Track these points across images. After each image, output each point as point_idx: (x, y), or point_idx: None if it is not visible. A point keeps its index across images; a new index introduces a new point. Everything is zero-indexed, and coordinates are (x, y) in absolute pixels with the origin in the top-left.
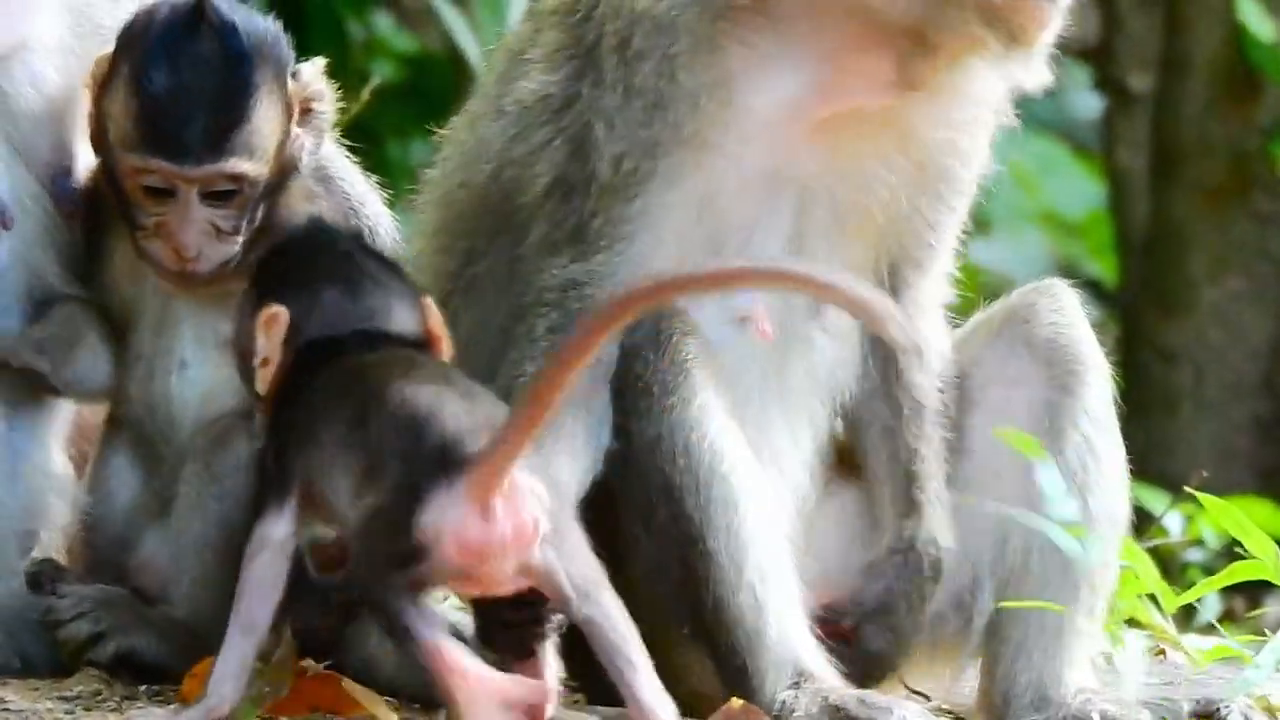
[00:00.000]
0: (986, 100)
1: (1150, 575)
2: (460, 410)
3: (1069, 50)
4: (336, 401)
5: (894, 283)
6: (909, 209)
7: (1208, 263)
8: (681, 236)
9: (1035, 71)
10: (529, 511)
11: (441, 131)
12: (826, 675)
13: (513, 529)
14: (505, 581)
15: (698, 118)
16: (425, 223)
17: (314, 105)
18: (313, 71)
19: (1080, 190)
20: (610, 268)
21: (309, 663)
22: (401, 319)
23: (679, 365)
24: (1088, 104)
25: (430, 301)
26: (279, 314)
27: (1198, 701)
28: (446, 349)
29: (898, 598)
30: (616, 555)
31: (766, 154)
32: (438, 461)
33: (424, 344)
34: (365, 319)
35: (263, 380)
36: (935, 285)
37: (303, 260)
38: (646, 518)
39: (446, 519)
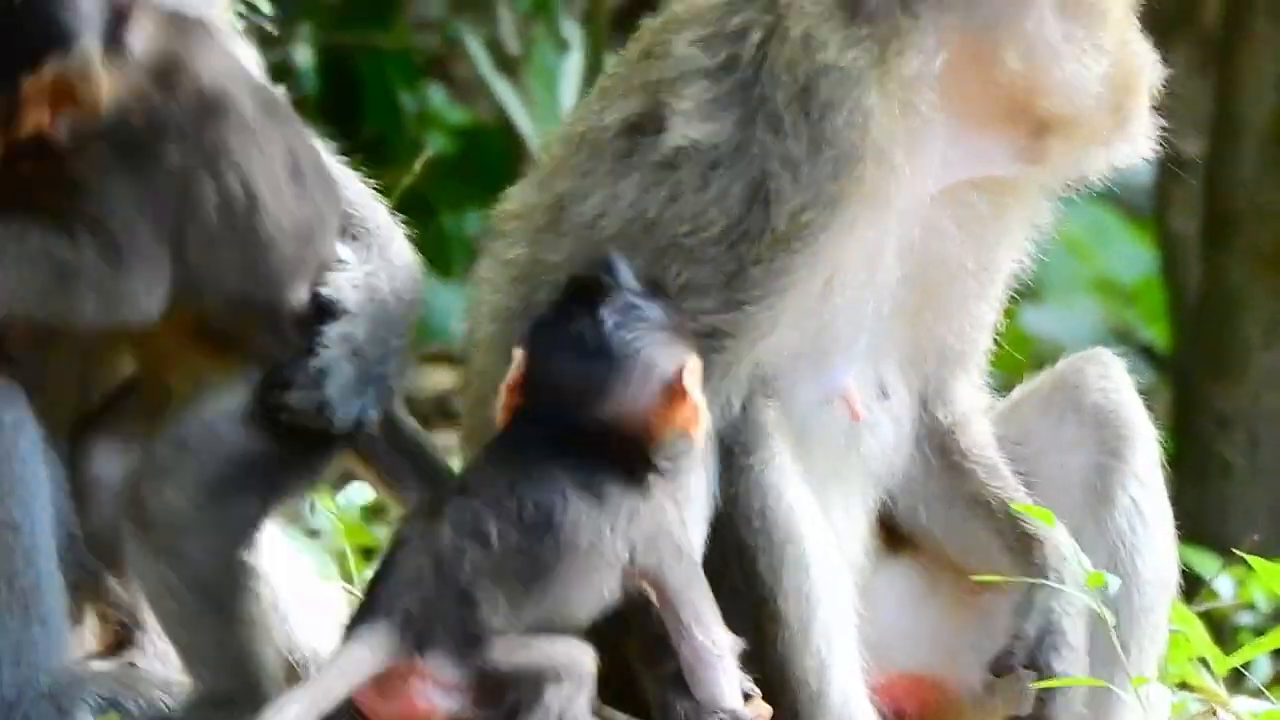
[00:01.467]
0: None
1: (1200, 638)
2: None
3: None
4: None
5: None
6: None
7: (1261, 328)
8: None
9: (1140, 148)
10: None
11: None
12: None
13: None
14: None
15: (881, 174)
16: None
17: None
18: None
19: (1132, 256)
20: (756, 320)
21: None
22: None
23: (760, 429)
24: (1140, 169)
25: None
26: (519, 357)
27: None
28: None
29: (1058, 619)
30: None
31: (910, 213)
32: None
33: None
34: (585, 409)
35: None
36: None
37: (559, 310)
38: (719, 575)
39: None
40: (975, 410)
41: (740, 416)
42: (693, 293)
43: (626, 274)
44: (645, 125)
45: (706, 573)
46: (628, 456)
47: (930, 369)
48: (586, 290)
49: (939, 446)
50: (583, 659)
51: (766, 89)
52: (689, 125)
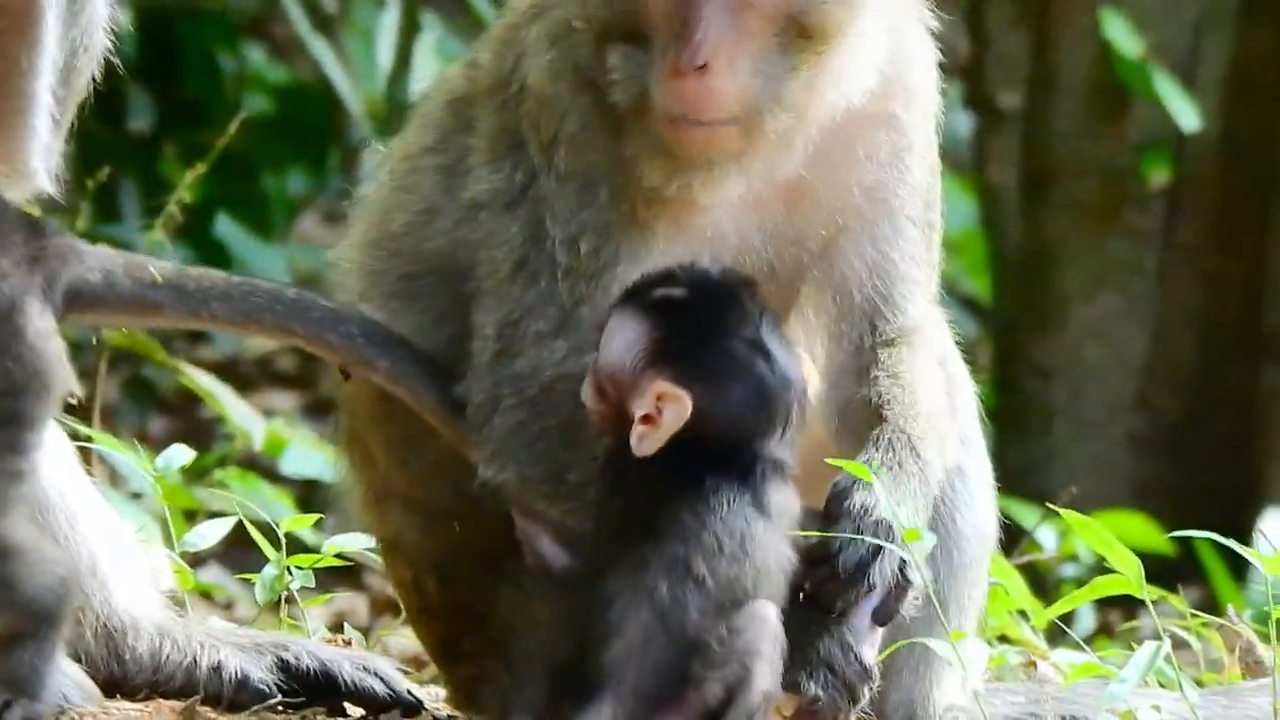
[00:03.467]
0: None
1: (1020, 591)
2: None
3: (941, 69)
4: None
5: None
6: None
7: (1081, 280)
8: None
9: None
10: None
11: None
12: None
13: None
14: None
15: (627, 196)
16: (360, 234)
17: None
18: None
19: (954, 208)
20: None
21: None
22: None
23: None
24: (959, 122)
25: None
26: (682, 400)
27: (1064, 718)
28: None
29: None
30: None
31: (695, 222)
32: None
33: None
34: (759, 434)
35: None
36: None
37: (714, 337)
38: None
39: None
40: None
41: None
42: (535, 341)
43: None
44: (462, 137)
45: None
46: (779, 467)
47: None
48: (729, 315)
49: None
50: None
51: (519, 126)
52: (483, 170)
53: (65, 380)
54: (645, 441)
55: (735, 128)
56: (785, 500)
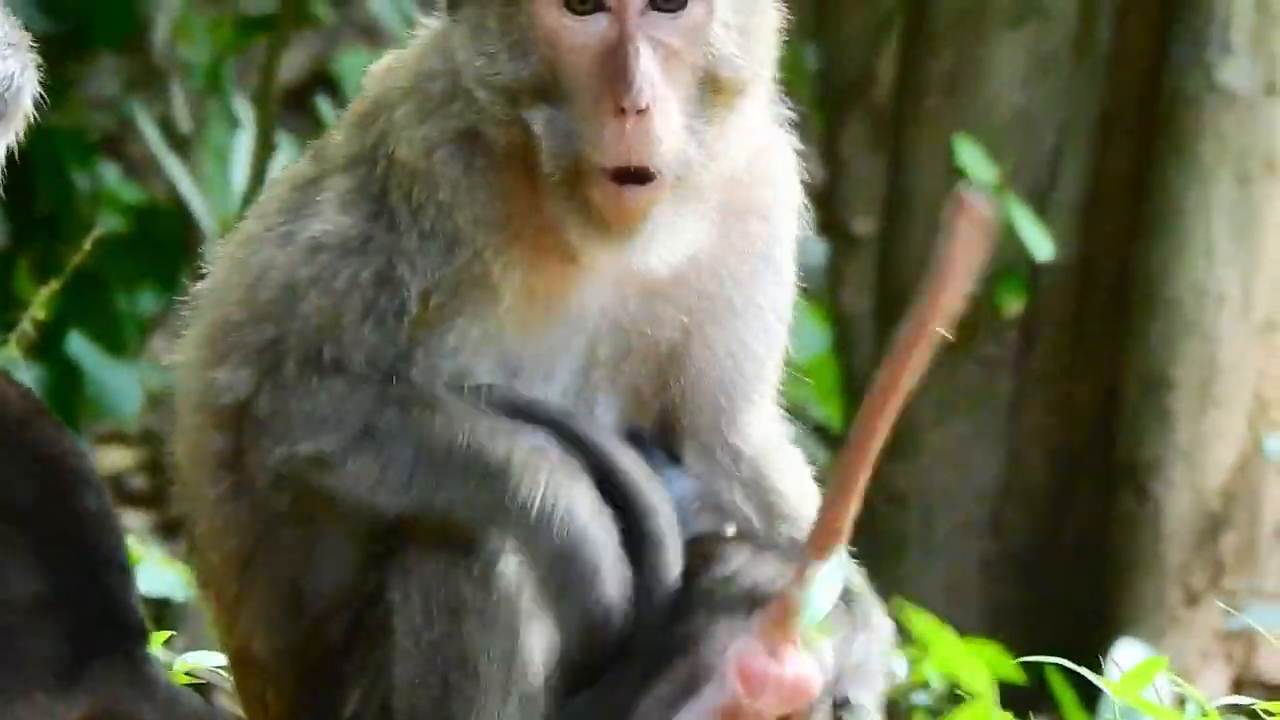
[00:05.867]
0: None
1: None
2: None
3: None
4: None
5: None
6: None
7: (933, 406)
8: (489, 370)
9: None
10: (813, 670)
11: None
12: None
13: (793, 679)
14: None
15: (483, 257)
16: (196, 335)
17: None
18: None
19: (807, 334)
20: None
21: None
22: None
23: None
24: (813, 249)
25: None
26: None
27: None
28: None
29: None
30: None
31: (556, 291)
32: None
33: None
34: None
35: None
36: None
37: None
38: None
39: (736, 645)
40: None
41: None
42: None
43: None
44: (302, 208)
45: None
46: None
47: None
48: None
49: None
50: None
51: (385, 188)
52: (331, 214)
53: None
54: None
55: (668, 186)
56: None
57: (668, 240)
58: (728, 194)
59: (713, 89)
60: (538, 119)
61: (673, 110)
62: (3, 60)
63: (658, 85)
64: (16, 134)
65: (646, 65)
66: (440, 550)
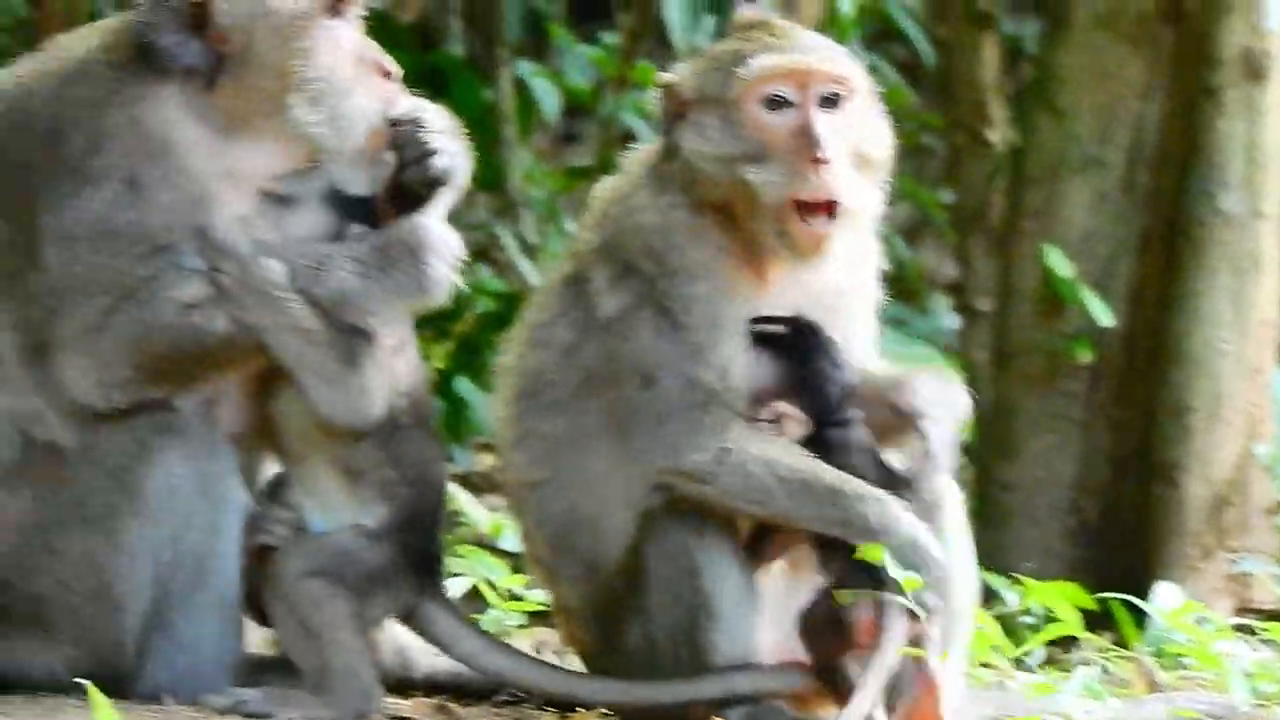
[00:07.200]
0: None
1: (995, 632)
2: None
3: (937, 285)
4: None
5: None
6: None
7: (1031, 423)
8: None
9: None
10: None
11: None
12: None
13: None
14: None
15: (718, 282)
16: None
17: None
18: None
19: None
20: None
21: None
22: None
23: None
24: (950, 320)
25: None
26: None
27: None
28: None
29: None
30: None
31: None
32: None
33: None
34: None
35: None
36: None
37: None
38: None
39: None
40: None
41: None
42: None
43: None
44: (576, 296)
45: None
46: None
47: None
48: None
49: None
50: None
51: (635, 255)
52: (604, 299)
53: None
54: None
55: (837, 219)
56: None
57: (834, 259)
58: (859, 239)
59: (861, 161)
60: (752, 174)
61: (845, 162)
62: (450, 141)
63: (835, 145)
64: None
65: (826, 131)
66: (680, 529)
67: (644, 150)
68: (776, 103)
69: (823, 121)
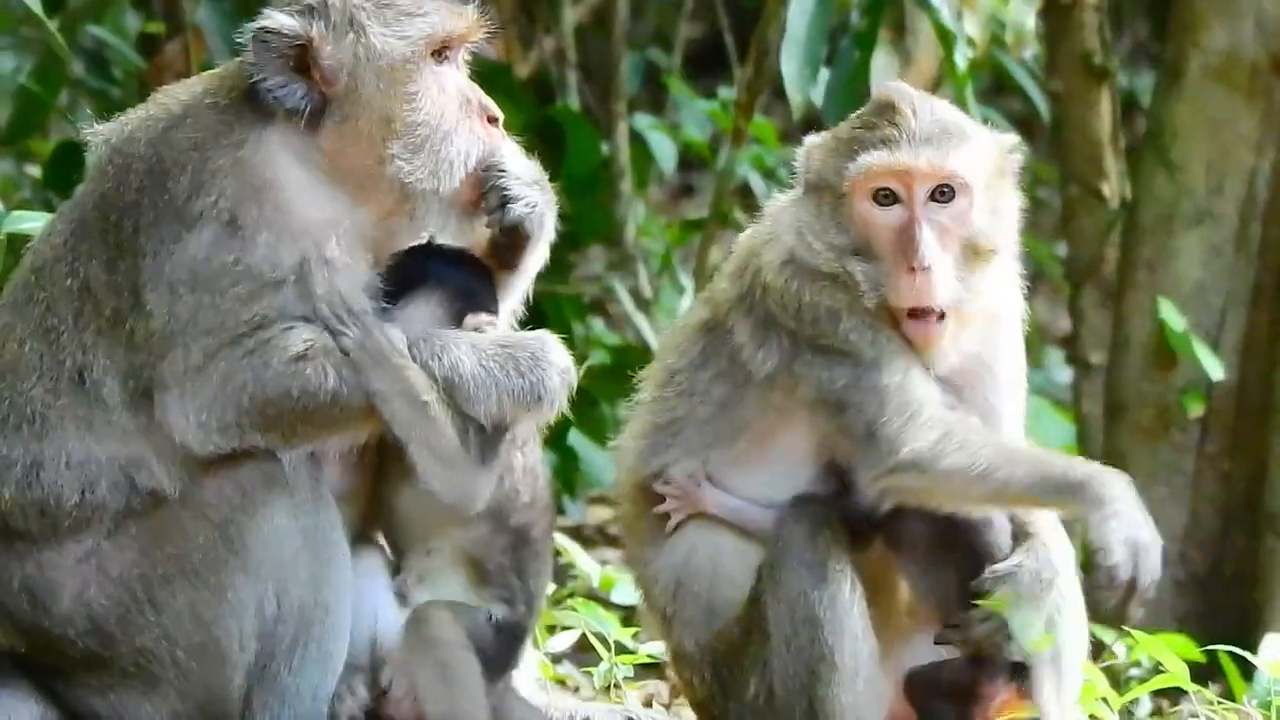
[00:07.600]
0: None
1: (1102, 684)
2: None
3: (1049, 338)
4: None
5: None
6: None
7: (1143, 474)
8: None
9: None
10: None
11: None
12: None
13: None
14: None
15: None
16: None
17: None
18: None
19: (1058, 431)
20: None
21: None
22: None
23: None
24: (1063, 373)
25: None
26: None
27: None
28: None
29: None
30: None
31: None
32: None
33: None
34: None
35: None
36: None
37: None
38: None
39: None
40: None
41: None
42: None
43: None
44: (716, 342)
45: None
46: None
47: None
48: None
49: None
50: None
51: (769, 303)
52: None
53: None
54: None
55: (946, 319)
56: None
57: (951, 350)
58: (986, 313)
59: (973, 252)
60: (856, 269)
61: (948, 267)
62: (531, 189)
63: (935, 251)
64: (544, 261)
65: (928, 237)
66: (798, 577)
67: (778, 201)
68: (885, 198)
69: (930, 220)
